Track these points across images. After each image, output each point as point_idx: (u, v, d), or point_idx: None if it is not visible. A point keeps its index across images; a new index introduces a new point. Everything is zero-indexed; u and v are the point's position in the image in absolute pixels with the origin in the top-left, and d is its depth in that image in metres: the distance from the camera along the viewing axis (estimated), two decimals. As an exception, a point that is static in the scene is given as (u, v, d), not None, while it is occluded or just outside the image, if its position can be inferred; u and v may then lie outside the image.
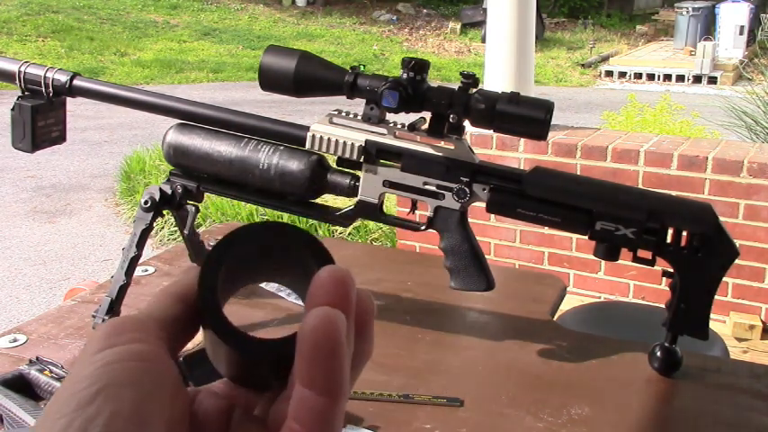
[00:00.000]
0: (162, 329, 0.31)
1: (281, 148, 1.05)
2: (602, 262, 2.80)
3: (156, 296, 0.33)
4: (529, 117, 0.93)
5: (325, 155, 1.06)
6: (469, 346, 1.14)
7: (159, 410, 0.28)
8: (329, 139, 1.02)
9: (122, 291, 1.09)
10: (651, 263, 0.97)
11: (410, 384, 1.01)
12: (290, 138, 1.05)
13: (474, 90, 0.96)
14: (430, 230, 1.04)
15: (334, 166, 1.06)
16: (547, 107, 0.93)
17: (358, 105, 1.03)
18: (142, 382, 0.28)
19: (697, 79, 9.60)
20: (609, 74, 10.29)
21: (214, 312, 0.31)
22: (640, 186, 2.55)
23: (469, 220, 1.03)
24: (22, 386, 0.92)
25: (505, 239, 2.95)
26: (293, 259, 0.32)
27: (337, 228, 3.68)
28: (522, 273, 1.94)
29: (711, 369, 1.07)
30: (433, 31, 12.91)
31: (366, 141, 1.02)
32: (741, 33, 10.03)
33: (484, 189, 1.00)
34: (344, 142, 1.02)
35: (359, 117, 1.02)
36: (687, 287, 0.96)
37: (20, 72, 1.10)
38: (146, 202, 1.11)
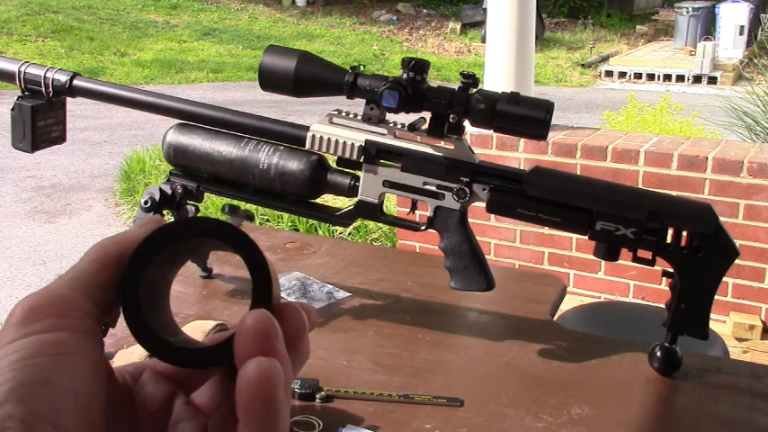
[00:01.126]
0: (89, 300, 0.29)
1: (281, 148, 1.05)
2: (602, 262, 2.80)
3: (88, 256, 0.31)
4: (529, 117, 0.93)
5: (325, 155, 1.06)
6: (469, 346, 1.14)
7: (78, 406, 0.27)
8: (329, 139, 1.02)
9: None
10: (651, 263, 0.97)
11: (410, 384, 1.01)
12: (290, 138, 1.05)
13: (474, 90, 0.96)
14: (430, 230, 1.04)
15: (334, 166, 1.06)
16: (547, 107, 0.93)
17: (358, 105, 1.03)
18: (57, 379, 0.26)
19: (697, 79, 9.60)
20: (609, 74, 10.28)
21: (139, 327, 0.30)
22: (640, 186, 2.55)
23: (469, 220, 1.03)
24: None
25: (505, 239, 2.95)
26: (212, 246, 0.32)
27: (337, 228, 3.68)
28: (522, 273, 1.94)
29: (711, 369, 1.07)
30: (433, 31, 12.90)
31: (366, 141, 1.02)
32: (741, 33, 10.03)
33: (484, 189, 1.00)
34: (344, 142, 1.02)
35: (359, 117, 1.02)
36: (687, 287, 0.96)
37: (20, 72, 1.10)
38: (146, 202, 1.11)
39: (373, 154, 1.02)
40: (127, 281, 0.30)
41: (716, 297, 0.96)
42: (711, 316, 0.97)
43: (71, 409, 0.26)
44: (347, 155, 1.02)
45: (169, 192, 1.12)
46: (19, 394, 0.25)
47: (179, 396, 0.31)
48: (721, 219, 0.95)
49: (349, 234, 3.80)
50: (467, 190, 1.00)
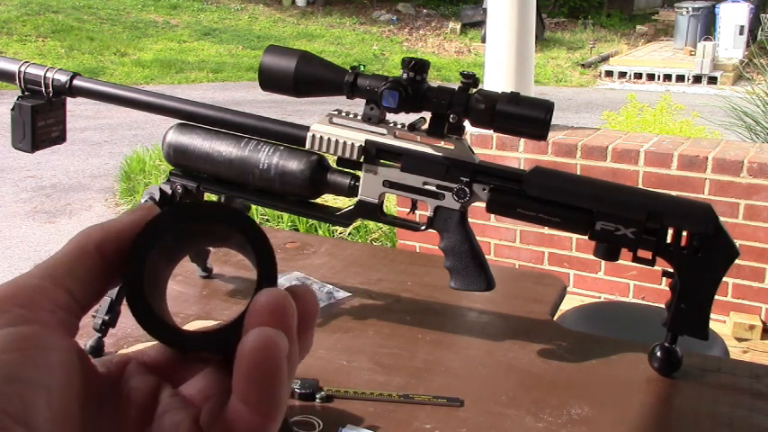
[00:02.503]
0: (63, 291, 0.28)
1: (281, 148, 1.05)
2: (602, 262, 2.80)
3: (69, 243, 0.30)
4: (529, 117, 0.93)
5: (325, 155, 1.06)
6: (469, 346, 1.14)
7: (51, 403, 0.25)
8: (329, 139, 1.02)
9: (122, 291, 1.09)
10: (651, 263, 0.97)
11: (410, 384, 1.01)
12: (289, 138, 1.05)
13: (474, 90, 0.96)
14: (430, 230, 1.04)
15: (334, 166, 1.06)
16: (547, 107, 0.93)
17: (358, 105, 1.03)
18: (25, 376, 0.25)
19: (697, 79, 9.60)
20: (609, 74, 10.28)
21: (142, 311, 0.29)
22: (640, 186, 2.55)
23: (469, 220, 1.03)
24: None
25: (505, 239, 2.95)
26: (214, 233, 0.32)
27: (337, 228, 3.68)
28: (522, 273, 1.94)
29: (711, 369, 1.07)
30: (433, 31, 12.90)
31: (366, 141, 1.02)
32: (741, 33, 10.03)
33: (484, 189, 1.00)
34: (344, 142, 1.02)
35: (359, 117, 1.02)
36: (687, 287, 0.96)
37: (20, 72, 1.10)
38: (146, 202, 1.11)
39: (373, 154, 1.02)
40: (132, 263, 0.30)
41: (716, 297, 0.96)
42: (711, 316, 0.97)
43: (43, 405, 0.25)
44: (347, 155, 1.02)
45: (169, 192, 1.12)
46: None
47: (165, 388, 0.30)
48: (721, 219, 0.95)
49: (349, 234, 3.80)
50: (467, 190, 1.00)
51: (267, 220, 3.92)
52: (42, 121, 1.11)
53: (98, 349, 1.05)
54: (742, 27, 10.00)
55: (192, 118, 1.08)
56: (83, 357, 0.28)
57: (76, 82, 1.10)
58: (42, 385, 0.25)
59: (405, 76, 0.96)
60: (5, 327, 0.26)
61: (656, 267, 0.99)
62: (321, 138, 1.03)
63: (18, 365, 0.25)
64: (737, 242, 0.96)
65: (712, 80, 9.53)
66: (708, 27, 10.71)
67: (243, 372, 0.26)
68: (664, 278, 1.00)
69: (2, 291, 0.27)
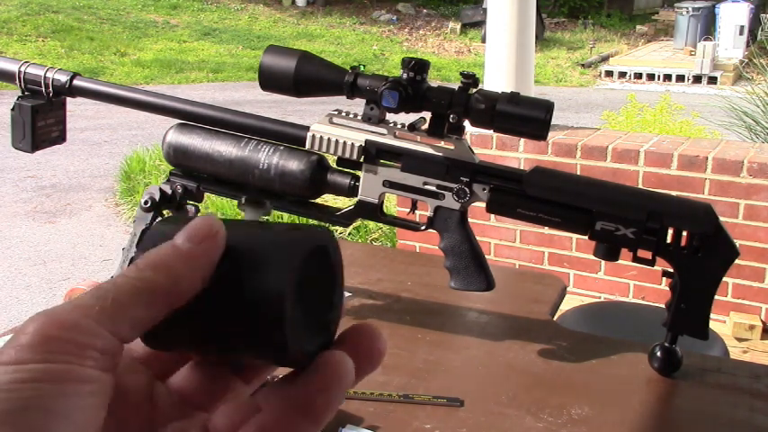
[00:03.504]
0: (106, 331, 0.27)
1: (281, 148, 1.05)
2: (602, 262, 2.80)
3: (128, 282, 0.28)
4: (529, 117, 0.93)
5: (325, 155, 1.06)
6: (469, 346, 1.14)
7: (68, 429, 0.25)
8: (329, 139, 1.02)
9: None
10: (651, 263, 0.97)
11: (410, 384, 1.01)
12: (290, 138, 1.05)
13: (474, 90, 0.96)
14: (430, 230, 1.04)
15: (334, 166, 1.06)
16: (547, 107, 0.93)
17: (358, 105, 1.03)
18: (55, 407, 0.25)
19: (697, 79, 9.60)
20: (609, 74, 10.28)
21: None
22: (640, 186, 2.55)
23: (469, 220, 1.03)
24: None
25: (505, 239, 2.95)
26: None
27: (337, 228, 3.68)
28: (522, 273, 1.94)
29: (711, 369, 1.07)
30: (433, 31, 12.90)
31: (366, 141, 1.02)
32: (741, 33, 10.03)
33: (484, 189, 1.00)
34: (344, 142, 1.02)
35: (359, 117, 1.02)
36: (687, 287, 0.96)
37: (20, 72, 1.10)
38: (146, 202, 1.11)
39: (373, 154, 1.02)
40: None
41: (716, 297, 0.96)
42: (711, 316, 0.97)
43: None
44: (347, 155, 1.02)
45: (169, 192, 1.12)
46: (13, 418, 0.24)
47: (158, 386, 0.31)
48: (721, 219, 0.95)
49: (349, 234, 3.80)
50: (467, 190, 1.00)
51: (267, 221, 3.92)
52: (42, 121, 1.11)
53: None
54: (742, 27, 10.01)
55: (191, 118, 1.08)
56: (139, 402, 0.29)
57: (76, 82, 1.10)
58: (70, 418, 0.25)
59: (405, 76, 0.96)
60: (49, 363, 0.26)
61: (656, 267, 0.99)
62: (321, 138, 1.03)
63: (51, 398, 0.25)
64: (737, 242, 0.95)
65: (712, 80, 9.53)
66: (708, 27, 10.71)
67: (319, 384, 0.29)
68: (664, 278, 1.00)
69: (54, 325, 0.26)
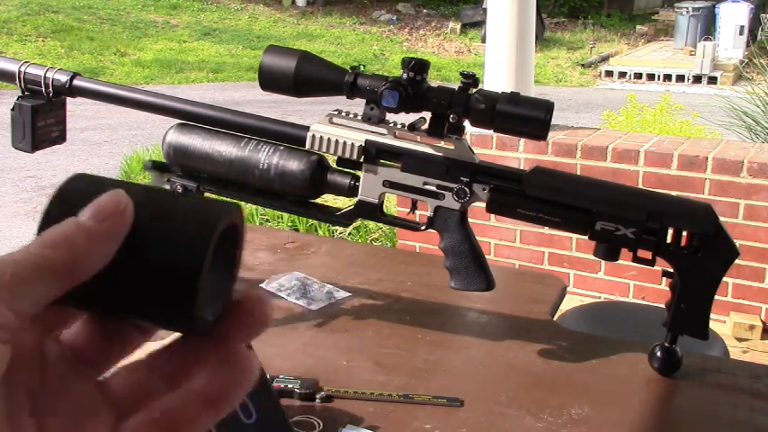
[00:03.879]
0: (16, 315, 0.27)
1: (281, 148, 1.05)
2: (602, 262, 2.80)
3: (29, 258, 0.28)
4: (529, 117, 0.93)
5: (325, 155, 1.06)
6: (469, 346, 1.14)
7: None
8: (329, 139, 1.02)
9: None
10: (651, 263, 0.97)
11: (410, 384, 1.01)
12: (290, 138, 1.05)
13: (474, 90, 0.96)
14: (430, 230, 1.04)
15: (334, 166, 1.06)
16: (547, 107, 0.93)
17: (358, 105, 1.03)
18: None
19: (697, 79, 9.60)
20: (609, 74, 10.28)
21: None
22: (640, 186, 2.55)
23: (469, 220, 1.03)
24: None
25: (505, 239, 2.95)
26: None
27: (337, 228, 3.68)
28: (522, 273, 1.94)
29: (711, 369, 1.07)
30: (433, 31, 12.90)
31: (366, 141, 1.02)
32: (741, 33, 10.03)
33: (484, 189, 1.00)
34: (344, 142, 1.02)
35: (359, 117, 1.02)
36: (687, 287, 0.96)
37: (20, 72, 1.10)
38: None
39: (373, 154, 1.02)
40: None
41: (716, 297, 0.96)
42: (711, 316, 0.97)
43: None
44: (347, 155, 1.02)
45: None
46: None
47: (48, 342, 0.31)
48: (721, 219, 0.95)
49: (349, 234, 3.80)
50: (467, 190, 1.00)
51: (267, 220, 3.92)
52: (42, 121, 1.11)
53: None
54: (742, 27, 10.00)
55: (191, 118, 1.08)
56: (27, 361, 0.29)
57: (76, 82, 1.10)
58: None
59: (405, 76, 0.96)
60: None
61: (656, 267, 0.99)
62: (321, 138, 1.03)
63: None
64: (737, 242, 0.95)
65: (712, 80, 9.53)
66: (708, 27, 10.71)
67: (229, 379, 0.30)
68: (664, 278, 1.00)
69: None
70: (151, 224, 0.30)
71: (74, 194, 0.31)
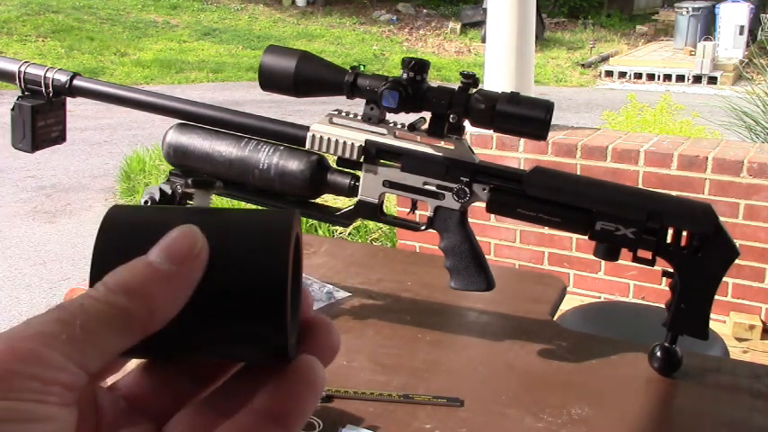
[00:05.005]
0: (61, 356, 0.24)
1: (281, 148, 1.05)
2: (602, 262, 2.80)
3: (98, 307, 0.25)
4: (529, 117, 0.93)
5: (325, 155, 1.06)
6: (469, 346, 1.14)
7: None
8: (329, 139, 1.02)
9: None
10: (651, 263, 0.97)
11: (410, 384, 1.00)
12: (290, 138, 1.05)
13: (474, 90, 0.96)
14: (430, 230, 1.04)
15: (334, 166, 1.06)
16: (547, 107, 0.93)
17: (358, 105, 1.03)
18: None
19: (697, 79, 9.59)
20: (609, 74, 10.28)
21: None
22: (640, 186, 2.55)
23: (469, 220, 1.03)
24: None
25: (505, 239, 2.95)
26: None
27: (337, 228, 3.68)
28: (522, 273, 1.94)
29: (711, 369, 1.07)
30: (433, 31, 12.90)
31: (366, 141, 1.02)
32: (741, 33, 10.02)
33: (484, 189, 1.00)
34: (344, 142, 1.02)
35: (359, 117, 1.02)
36: (687, 287, 0.96)
37: (20, 72, 1.10)
38: (146, 202, 1.11)
39: (373, 154, 1.02)
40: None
41: (716, 297, 0.96)
42: (711, 316, 0.97)
43: None
44: (347, 155, 1.02)
45: (169, 192, 1.12)
46: None
47: (101, 392, 0.29)
48: (721, 219, 0.95)
49: (349, 234, 3.80)
50: (467, 190, 1.00)
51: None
52: (42, 121, 1.11)
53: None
54: (742, 27, 10.00)
55: (192, 118, 1.08)
56: (83, 415, 0.26)
57: (76, 82, 1.10)
58: None
59: (405, 76, 0.96)
60: (6, 401, 0.23)
61: (656, 267, 0.99)
62: (321, 138, 1.03)
63: None
64: (737, 242, 0.95)
65: (712, 80, 9.53)
66: (708, 27, 10.70)
67: (292, 391, 0.28)
68: (664, 278, 1.00)
69: (10, 359, 0.23)
70: (219, 251, 0.27)
71: (122, 228, 0.28)
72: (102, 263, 0.27)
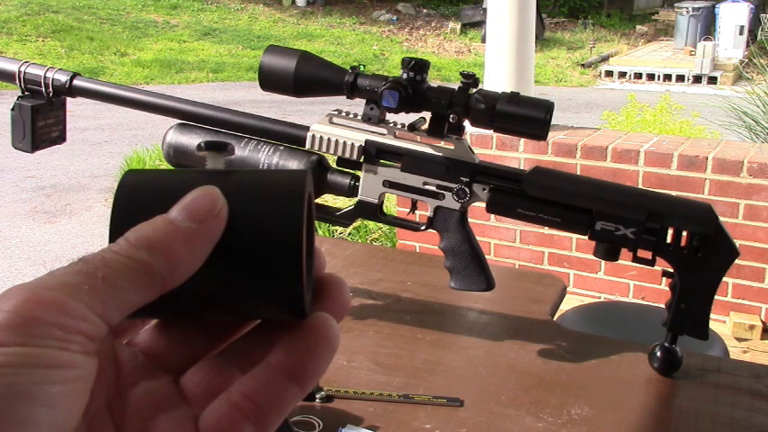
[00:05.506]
0: (84, 306, 0.24)
1: (281, 148, 1.05)
2: (602, 262, 2.80)
3: (120, 261, 0.26)
4: (529, 117, 0.93)
5: (326, 155, 1.06)
6: (469, 346, 1.14)
7: (56, 420, 0.24)
8: (329, 139, 1.02)
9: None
10: (651, 263, 0.97)
11: (410, 384, 1.01)
12: (290, 138, 1.05)
13: (474, 90, 0.96)
14: (430, 230, 1.04)
15: (334, 166, 1.06)
16: (547, 107, 0.93)
17: (358, 105, 1.03)
18: (38, 394, 0.23)
19: (697, 79, 9.60)
20: (609, 74, 10.28)
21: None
22: (640, 186, 2.55)
23: (469, 220, 1.03)
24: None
25: (505, 239, 2.95)
26: None
27: (337, 228, 3.68)
28: (522, 273, 1.94)
29: (711, 369, 1.07)
30: (433, 31, 12.90)
31: (366, 141, 1.02)
32: (741, 33, 10.03)
33: (484, 189, 1.00)
34: (344, 142, 1.02)
35: (359, 117, 1.02)
36: (687, 287, 0.96)
37: (20, 72, 1.10)
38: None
39: (373, 154, 1.02)
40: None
41: (716, 297, 0.96)
42: (711, 316, 0.97)
43: (42, 421, 0.23)
44: (347, 155, 1.02)
45: (169, 192, 1.11)
46: None
47: (120, 347, 0.29)
48: (721, 219, 0.95)
49: (349, 234, 3.80)
50: (467, 190, 1.00)
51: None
52: (42, 121, 1.11)
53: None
54: (742, 27, 10.01)
55: (192, 118, 1.08)
56: (103, 368, 0.27)
57: (76, 82, 1.10)
58: (53, 404, 0.24)
59: (405, 76, 0.96)
60: (33, 347, 0.23)
61: (656, 267, 0.99)
62: (321, 138, 1.03)
63: (33, 384, 0.23)
64: (737, 242, 0.95)
65: (712, 80, 9.53)
66: (708, 27, 10.71)
67: (308, 348, 0.28)
68: (664, 278, 1.00)
69: (27, 305, 0.24)
70: (235, 210, 0.28)
71: (141, 189, 0.29)
72: (121, 221, 0.27)
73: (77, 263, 0.26)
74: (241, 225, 0.28)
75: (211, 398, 0.29)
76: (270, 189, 0.28)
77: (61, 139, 1.16)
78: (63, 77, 1.10)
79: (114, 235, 0.27)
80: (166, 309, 0.28)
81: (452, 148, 1.00)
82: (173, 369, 0.30)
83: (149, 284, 0.26)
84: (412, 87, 0.96)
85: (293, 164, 1.03)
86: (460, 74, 0.97)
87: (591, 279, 2.86)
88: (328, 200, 2.69)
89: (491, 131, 0.96)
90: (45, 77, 1.10)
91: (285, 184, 0.29)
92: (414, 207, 1.08)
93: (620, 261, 0.99)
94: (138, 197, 0.28)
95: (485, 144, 2.85)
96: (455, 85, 0.96)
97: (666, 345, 1.01)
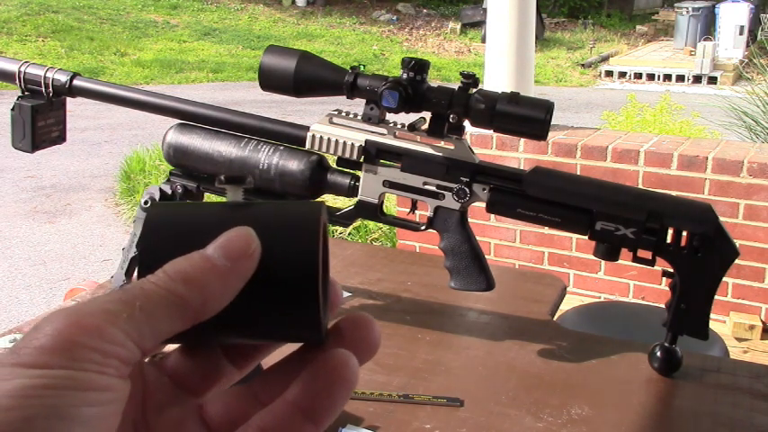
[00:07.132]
0: (122, 333, 0.26)
1: (281, 148, 1.05)
2: (602, 262, 2.80)
3: (158, 292, 0.28)
4: (529, 117, 0.93)
5: (326, 155, 1.06)
6: (469, 346, 1.14)
7: None
8: (329, 139, 1.02)
9: (122, 291, 1.09)
10: (651, 263, 0.97)
11: (410, 384, 1.01)
12: (290, 138, 1.05)
13: (474, 90, 0.96)
14: (430, 230, 1.04)
15: (334, 166, 1.06)
16: (547, 107, 0.93)
17: (358, 105, 1.03)
18: (73, 415, 0.24)
19: (697, 79, 9.60)
20: (609, 74, 10.28)
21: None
22: (640, 186, 2.55)
23: (469, 220, 1.03)
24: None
25: (505, 239, 2.95)
26: None
27: (337, 228, 3.68)
28: (522, 273, 1.94)
29: (711, 369, 1.07)
30: (433, 31, 12.90)
31: (366, 141, 1.02)
32: (741, 33, 10.03)
33: (484, 189, 1.00)
34: (344, 142, 1.02)
35: (359, 117, 1.02)
36: (687, 287, 0.96)
37: (20, 72, 1.10)
38: (146, 202, 1.11)
39: (373, 154, 1.02)
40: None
41: (716, 297, 0.96)
42: (711, 316, 0.97)
43: None
44: (347, 155, 1.02)
45: (169, 192, 1.12)
46: (33, 425, 0.24)
47: (147, 368, 0.31)
48: (721, 219, 0.95)
49: (349, 234, 3.80)
50: (467, 190, 1.00)
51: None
52: (42, 121, 1.11)
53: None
54: (742, 27, 10.01)
55: (192, 118, 1.08)
56: (133, 391, 0.28)
57: (76, 82, 1.10)
58: (88, 424, 0.25)
59: (405, 76, 0.96)
60: (72, 370, 0.25)
61: (656, 267, 0.99)
62: (321, 138, 1.03)
63: (68, 407, 0.24)
64: (737, 242, 0.95)
65: (712, 80, 9.53)
66: (708, 27, 10.71)
67: (324, 385, 0.29)
68: (664, 278, 1.00)
69: (68, 329, 0.25)
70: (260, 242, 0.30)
71: (168, 224, 0.31)
72: (150, 256, 0.30)
73: (118, 291, 0.27)
74: (263, 258, 0.30)
75: (232, 426, 0.30)
76: (288, 221, 0.31)
77: (61, 139, 1.16)
78: (63, 77, 1.10)
79: (144, 270, 0.29)
80: (193, 336, 0.30)
81: (452, 148, 1.00)
82: (194, 391, 0.32)
83: (182, 315, 0.28)
84: (412, 87, 0.96)
85: (293, 164, 1.03)
86: (460, 74, 0.97)
87: (591, 279, 2.86)
88: (328, 200, 2.69)
89: (491, 131, 0.96)
90: (45, 77, 1.10)
91: (302, 216, 0.31)
92: (414, 207, 1.08)
93: (620, 261, 0.99)
94: (165, 233, 0.30)
95: (485, 144, 2.85)
96: (455, 85, 0.96)
97: (666, 345, 1.01)
